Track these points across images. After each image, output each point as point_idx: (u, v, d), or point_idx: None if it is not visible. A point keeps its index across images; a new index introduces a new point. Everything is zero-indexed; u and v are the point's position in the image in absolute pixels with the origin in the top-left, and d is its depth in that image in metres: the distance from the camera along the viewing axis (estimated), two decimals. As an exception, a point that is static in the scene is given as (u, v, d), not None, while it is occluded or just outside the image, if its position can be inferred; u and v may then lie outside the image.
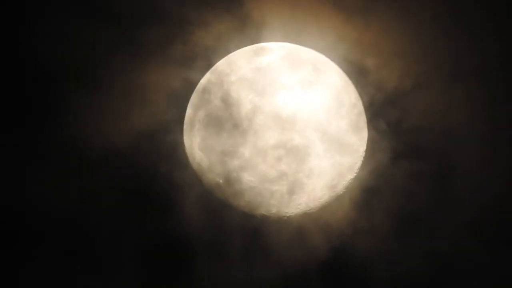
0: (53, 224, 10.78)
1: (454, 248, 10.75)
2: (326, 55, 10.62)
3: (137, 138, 10.69)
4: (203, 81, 10.71)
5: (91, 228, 10.81)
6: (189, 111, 10.66)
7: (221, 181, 10.24)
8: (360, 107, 10.52)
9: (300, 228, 10.70)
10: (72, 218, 10.75)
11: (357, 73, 10.68)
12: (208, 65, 10.68)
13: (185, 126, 10.76)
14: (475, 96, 10.75)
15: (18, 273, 10.73)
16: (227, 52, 10.67)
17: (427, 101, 10.80)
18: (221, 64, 10.62)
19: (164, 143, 10.80)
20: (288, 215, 10.37)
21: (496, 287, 10.65)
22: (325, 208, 10.54)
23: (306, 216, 10.51)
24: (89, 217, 10.78)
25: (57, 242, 10.78)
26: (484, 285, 10.67)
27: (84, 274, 10.69)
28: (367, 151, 10.53)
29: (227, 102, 10.09)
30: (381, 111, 10.70)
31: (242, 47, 10.66)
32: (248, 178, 10.03)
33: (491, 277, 10.68)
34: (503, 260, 10.70)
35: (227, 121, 10.02)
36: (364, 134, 10.54)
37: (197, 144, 10.43)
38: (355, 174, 10.49)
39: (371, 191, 10.74)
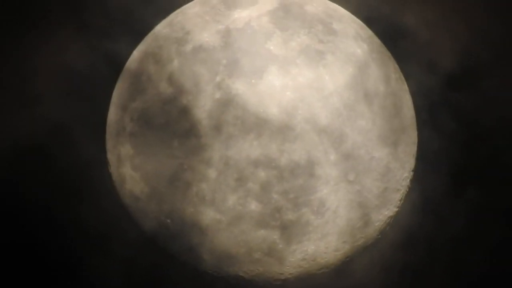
0: None
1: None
2: (346, 7, 7.47)
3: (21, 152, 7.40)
4: (136, 54, 7.36)
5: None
6: (113, 108, 7.39)
7: (169, 221, 7.05)
8: (405, 93, 7.42)
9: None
10: None
11: (399, 36, 7.53)
12: (143, 29, 7.33)
13: (108, 131, 7.42)
14: None
15: None
16: (178, 3, 7.39)
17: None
18: (168, 24, 7.27)
19: (70, 162, 7.53)
20: (282, 278, 7.21)
21: None
22: (345, 267, 7.40)
23: (313, 280, 7.35)
24: None
25: None
26: None
27: None
28: (417, 170, 7.44)
29: (177, 89, 6.80)
30: (443, 100, 7.52)
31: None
32: (214, 216, 6.85)
33: None
34: None
35: (178, 121, 6.78)
36: (412, 139, 7.43)
37: (128, 161, 7.08)
38: (396, 210, 7.36)
39: (423, 241, 7.63)
